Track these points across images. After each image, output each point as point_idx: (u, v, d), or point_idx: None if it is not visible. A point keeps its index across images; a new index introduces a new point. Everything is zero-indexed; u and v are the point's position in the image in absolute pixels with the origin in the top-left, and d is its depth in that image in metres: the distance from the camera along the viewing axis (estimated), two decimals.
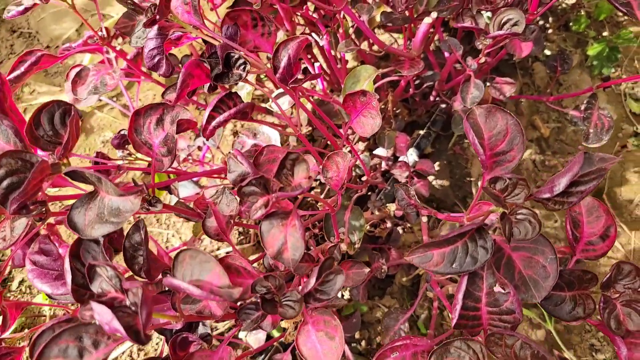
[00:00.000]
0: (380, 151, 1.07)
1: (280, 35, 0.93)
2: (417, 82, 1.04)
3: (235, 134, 1.44)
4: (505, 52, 0.90)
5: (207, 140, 0.76)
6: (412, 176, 0.96)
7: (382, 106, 1.03)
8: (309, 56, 0.99)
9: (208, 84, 0.65)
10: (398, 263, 0.97)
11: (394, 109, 1.07)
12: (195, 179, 0.97)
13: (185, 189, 0.96)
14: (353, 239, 0.83)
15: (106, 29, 0.85)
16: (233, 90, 0.63)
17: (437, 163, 1.21)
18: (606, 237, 0.66)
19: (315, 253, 0.73)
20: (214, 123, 0.61)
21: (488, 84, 0.90)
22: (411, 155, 1.17)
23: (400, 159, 0.99)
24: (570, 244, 0.69)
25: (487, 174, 0.57)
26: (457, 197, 1.25)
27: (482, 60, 0.80)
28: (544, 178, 1.36)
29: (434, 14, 0.78)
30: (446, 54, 0.99)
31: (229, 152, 0.61)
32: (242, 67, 0.61)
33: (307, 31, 0.97)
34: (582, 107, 0.90)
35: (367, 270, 0.72)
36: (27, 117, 0.58)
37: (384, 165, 1.05)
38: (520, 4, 0.77)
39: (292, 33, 0.88)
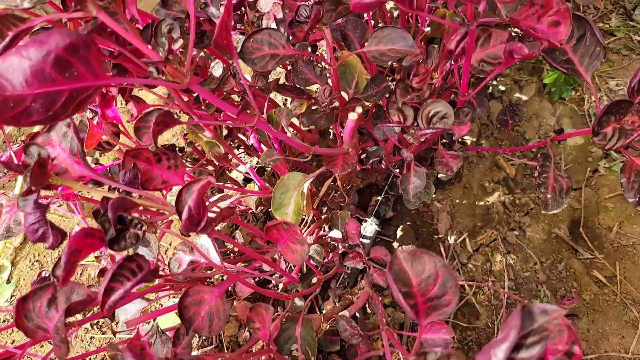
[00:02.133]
0: (334, 233, 1.00)
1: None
2: (363, 155, 0.98)
3: None
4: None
5: (107, 316, 0.68)
6: (368, 265, 0.89)
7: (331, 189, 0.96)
8: (242, 150, 0.93)
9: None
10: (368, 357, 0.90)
11: (344, 184, 1.01)
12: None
13: (127, 312, 0.89)
14: (307, 356, 0.75)
15: None
16: (136, 250, 0.57)
17: (400, 227, 1.15)
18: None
19: None
20: (114, 297, 0.53)
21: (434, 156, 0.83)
22: (370, 226, 1.10)
23: (353, 248, 0.92)
24: None
25: (424, 320, 0.51)
26: None
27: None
28: (517, 219, 1.30)
29: (359, 109, 0.72)
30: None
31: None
32: (138, 226, 0.54)
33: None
34: (536, 172, 0.84)
35: None
36: None
37: (341, 247, 0.98)
38: (448, 89, 0.71)
39: (215, 137, 0.81)
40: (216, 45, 0.57)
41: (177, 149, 1.21)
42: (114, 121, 0.74)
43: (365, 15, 0.82)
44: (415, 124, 0.69)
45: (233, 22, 0.89)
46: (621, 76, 1.59)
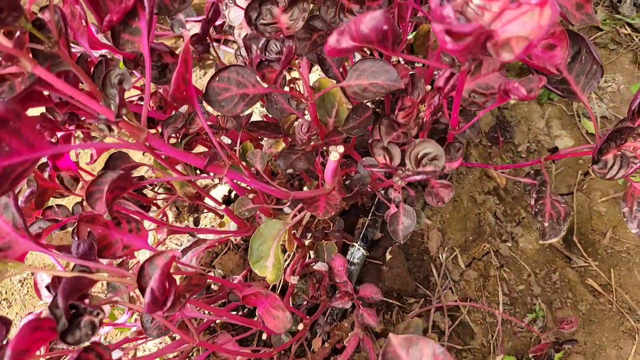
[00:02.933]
0: (320, 265, 0.94)
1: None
2: (347, 181, 0.92)
3: None
4: None
5: None
6: (357, 304, 0.83)
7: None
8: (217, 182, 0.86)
9: None
10: None
11: None
12: None
13: None
14: None
15: None
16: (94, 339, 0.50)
17: (389, 249, 1.09)
18: None
19: None
20: None
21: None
22: (358, 251, 1.04)
23: (341, 286, 0.86)
24: None
25: None
26: (419, 278, 1.13)
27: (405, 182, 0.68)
28: (509, 229, 1.25)
29: (340, 148, 0.65)
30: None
31: None
32: (95, 312, 0.48)
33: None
34: (532, 200, 0.78)
35: None
36: None
37: (327, 279, 0.92)
38: (437, 122, 0.65)
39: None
40: (174, 100, 0.50)
41: (148, 177, 1.14)
42: (69, 170, 0.67)
43: None
44: (403, 166, 0.63)
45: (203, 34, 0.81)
46: (609, 72, 1.54)
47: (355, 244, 1.04)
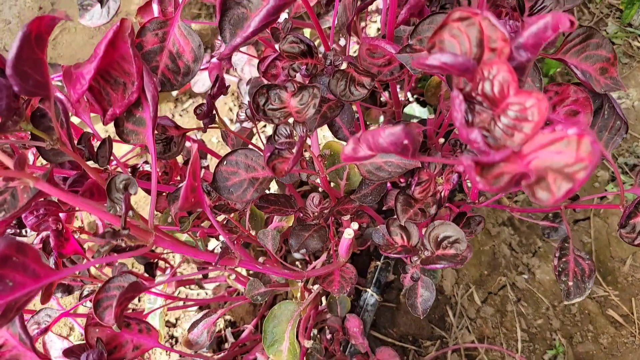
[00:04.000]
0: (333, 320, 0.91)
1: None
2: (358, 239, 0.89)
3: None
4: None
5: None
6: None
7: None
8: None
9: None
10: None
11: None
12: None
13: None
14: None
15: None
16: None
17: (402, 292, 1.07)
18: None
19: None
20: None
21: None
22: (372, 297, 1.02)
23: (354, 338, 0.84)
24: None
25: None
26: (434, 319, 1.11)
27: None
28: (525, 261, 1.22)
29: (355, 225, 0.63)
30: None
31: None
32: None
33: None
34: (555, 259, 0.75)
35: None
36: None
37: (342, 334, 0.90)
38: (453, 191, 0.62)
39: None
40: (183, 209, 0.47)
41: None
42: (75, 252, 0.64)
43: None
44: (422, 245, 0.60)
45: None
46: None
47: (368, 289, 1.02)
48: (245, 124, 0.89)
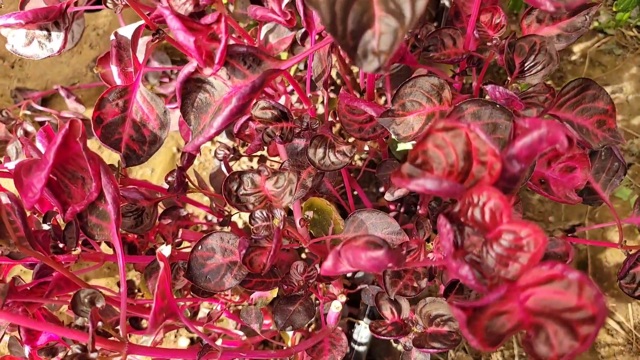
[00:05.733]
0: None
1: None
2: (348, 275, 0.86)
3: None
4: None
5: None
6: None
7: None
8: None
9: None
10: None
11: None
12: None
13: None
14: None
15: None
16: None
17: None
18: None
19: None
20: None
21: None
22: (365, 330, 0.99)
23: None
24: None
25: None
26: None
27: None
28: None
29: (342, 297, 0.59)
30: None
31: None
32: None
33: None
34: None
35: None
36: None
37: None
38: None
39: None
40: (156, 327, 0.44)
41: None
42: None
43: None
44: (412, 319, 0.57)
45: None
46: (616, 81, 1.45)
47: (361, 321, 1.00)
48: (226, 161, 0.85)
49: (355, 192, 0.88)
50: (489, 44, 0.62)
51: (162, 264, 0.40)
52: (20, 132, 1.26)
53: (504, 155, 0.35)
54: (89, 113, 1.41)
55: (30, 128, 1.25)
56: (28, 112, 1.28)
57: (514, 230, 0.34)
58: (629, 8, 0.88)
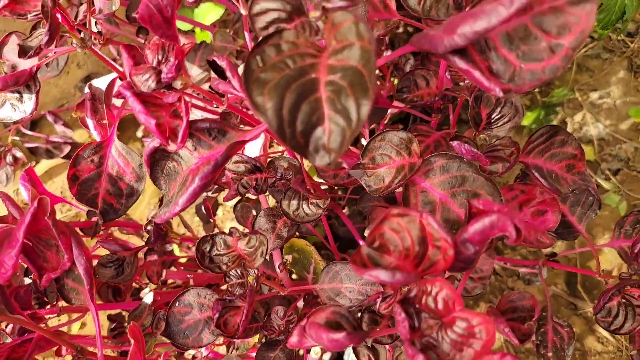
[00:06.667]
0: None
1: None
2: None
3: None
4: None
5: None
6: None
7: None
8: None
9: None
10: None
11: None
12: None
13: None
14: None
15: None
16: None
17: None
18: None
19: None
20: None
21: None
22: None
23: None
24: None
25: None
26: None
27: None
28: (510, 284, 1.21)
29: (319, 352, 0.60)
30: None
31: None
32: None
33: None
34: (533, 335, 0.74)
35: None
36: None
37: None
38: None
39: None
40: None
41: None
42: None
43: None
44: None
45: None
46: (603, 86, 1.45)
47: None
48: (209, 194, 0.85)
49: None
50: (461, 84, 0.62)
51: (132, 341, 0.41)
52: (9, 159, 1.27)
53: (459, 239, 0.36)
54: (77, 135, 1.42)
55: (19, 154, 1.26)
56: (17, 138, 1.29)
57: (466, 318, 0.34)
58: (609, 27, 0.88)
